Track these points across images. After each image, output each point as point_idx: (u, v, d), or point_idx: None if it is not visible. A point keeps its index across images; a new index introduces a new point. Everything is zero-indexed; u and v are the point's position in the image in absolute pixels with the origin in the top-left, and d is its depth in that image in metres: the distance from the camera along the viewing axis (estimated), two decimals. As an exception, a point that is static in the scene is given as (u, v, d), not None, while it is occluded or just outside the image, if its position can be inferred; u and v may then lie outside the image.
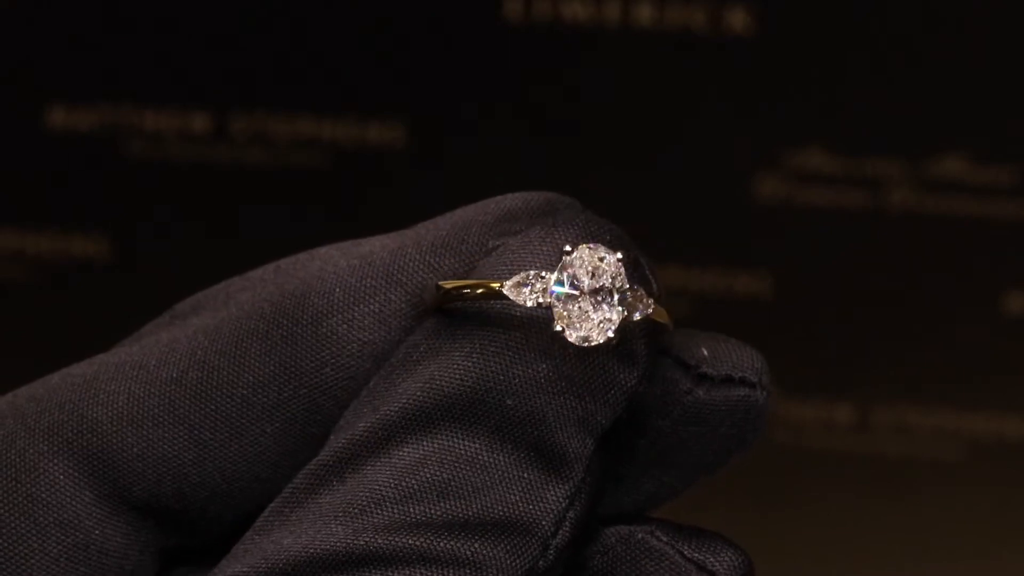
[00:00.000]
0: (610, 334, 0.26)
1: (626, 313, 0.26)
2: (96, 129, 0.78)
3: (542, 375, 0.26)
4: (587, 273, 0.26)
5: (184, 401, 0.27)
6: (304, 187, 0.78)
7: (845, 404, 0.76)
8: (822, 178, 0.75)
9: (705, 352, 0.27)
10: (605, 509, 0.28)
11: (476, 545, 0.25)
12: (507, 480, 0.26)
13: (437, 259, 0.28)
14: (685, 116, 0.75)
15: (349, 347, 0.27)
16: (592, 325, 0.26)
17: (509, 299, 0.26)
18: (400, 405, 0.26)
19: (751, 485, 0.76)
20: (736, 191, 0.75)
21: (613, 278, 0.26)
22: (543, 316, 0.26)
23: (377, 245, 0.28)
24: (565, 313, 0.26)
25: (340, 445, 0.27)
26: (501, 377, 0.26)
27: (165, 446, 0.27)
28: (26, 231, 0.80)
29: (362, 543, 0.25)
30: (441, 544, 0.25)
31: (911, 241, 0.75)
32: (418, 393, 0.26)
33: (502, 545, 0.26)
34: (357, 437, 0.26)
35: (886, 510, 0.76)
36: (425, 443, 0.26)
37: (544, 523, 0.26)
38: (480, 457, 0.26)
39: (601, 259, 0.27)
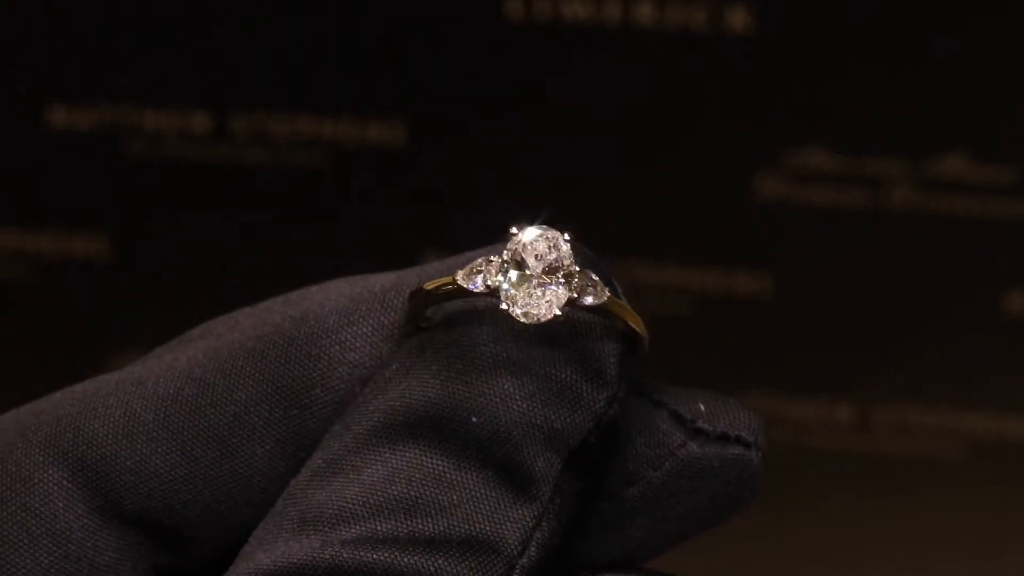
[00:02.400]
0: (556, 311, 0.26)
1: (575, 295, 0.26)
2: (96, 129, 0.78)
3: (507, 393, 0.26)
4: (533, 253, 0.27)
5: (178, 417, 0.28)
6: (304, 187, 0.78)
7: (845, 404, 0.76)
8: (822, 178, 0.75)
9: (702, 407, 0.28)
10: (594, 556, 0.28)
11: (440, 562, 0.25)
12: (474, 499, 0.26)
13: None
14: (685, 116, 0.75)
15: (339, 369, 0.28)
16: (539, 303, 0.26)
17: (467, 289, 0.27)
18: (371, 424, 0.26)
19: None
20: (736, 191, 0.75)
21: (560, 258, 0.26)
22: (511, 335, 0.26)
23: (383, 276, 0.29)
24: (512, 292, 0.26)
25: (316, 464, 0.27)
26: (466, 395, 0.26)
27: (157, 460, 0.28)
28: (26, 231, 0.80)
29: (327, 557, 0.25)
30: (405, 560, 0.25)
31: (911, 241, 0.75)
32: (388, 411, 0.26)
33: (466, 563, 0.26)
34: (331, 456, 0.27)
35: (886, 510, 0.76)
36: (394, 460, 0.26)
37: (510, 542, 0.26)
38: (447, 475, 0.26)
39: (548, 239, 0.27)
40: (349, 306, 0.28)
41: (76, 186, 0.79)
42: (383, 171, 0.77)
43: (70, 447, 0.28)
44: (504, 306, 0.26)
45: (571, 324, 0.27)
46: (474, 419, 0.26)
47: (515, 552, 0.26)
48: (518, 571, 0.26)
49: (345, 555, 0.25)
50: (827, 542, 0.76)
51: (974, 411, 0.75)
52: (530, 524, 0.26)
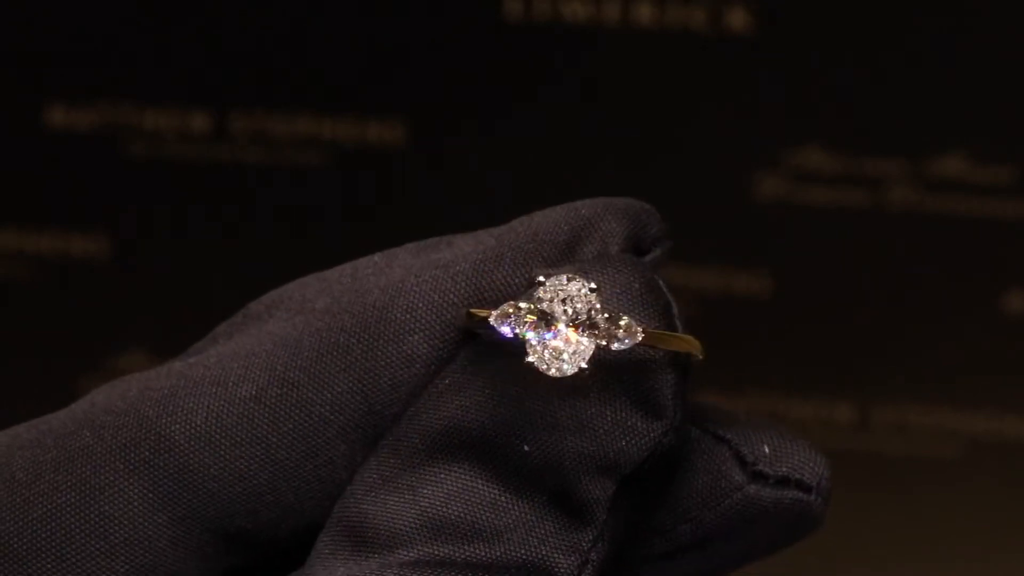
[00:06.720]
0: (582, 364, 0.26)
1: (603, 343, 0.26)
2: (96, 129, 0.78)
3: (560, 424, 0.26)
4: (559, 303, 0.26)
5: (262, 420, 0.27)
6: (304, 187, 0.78)
7: (845, 403, 0.76)
8: (822, 178, 0.75)
9: (767, 449, 0.27)
10: None
11: None
12: (528, 523, 0.26)
13: (521, 271, 0.27)
14: (685, 115, 0.75)
15: (416, 366, 0.27)
16: (565, 356, 0.26)
17: (498, 332, 0.26)
18: (426, 442, 0.26)
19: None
20: (736, 191, 0.75)
21: (587, 307, 0.26)
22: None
23: (457, 252, 0.28)
24: (536, 343, 0.26)
25: (371, 478, 0.27)
26: (519, 422, 0.26)
27: (241, 465, 0.27)
28: (26, 231, 0.80)
29: None
30: None
31: (911, 241, 0.75)
32: (442, 431, 0.26)
33: None
34: (386, 471, 0.26)
35: (885, 509, 0.76)
36: (448, 482, 0.26)
37: (566, 565, 0.26)
38: (500, 500, 0.26)
39: (574, 289, 0.26)
40: (436, 298, 0.27)
41: (76, 186, 0.79)
42: (383, 171, 0.77)
43: (152, 454, 0.27)
44: (529, 359, 0.26)
45: (626, 354, 0.26)
46: (526, 448, 0.26)
47: (572, 575, 0.26)
48: None
49: None
50: (826, 542, 0.76)
51: (973, 411, 0.75)
52: (586, 547, 0.26)
